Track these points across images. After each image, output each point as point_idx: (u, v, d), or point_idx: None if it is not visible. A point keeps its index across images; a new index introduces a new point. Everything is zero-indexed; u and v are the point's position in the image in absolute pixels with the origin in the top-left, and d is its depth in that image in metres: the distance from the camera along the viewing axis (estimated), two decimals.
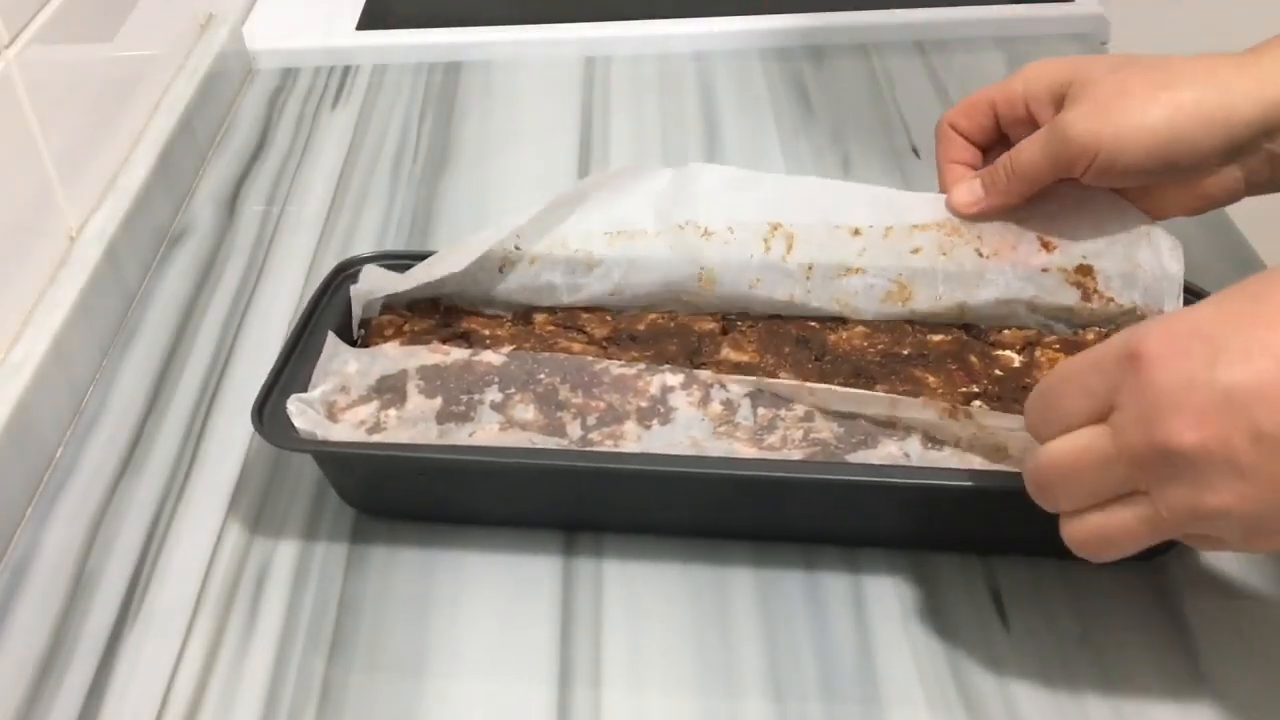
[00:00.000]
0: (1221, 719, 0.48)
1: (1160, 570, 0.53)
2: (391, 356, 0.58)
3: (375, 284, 0.63)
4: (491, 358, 0.58)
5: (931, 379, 0.57)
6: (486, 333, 0.62)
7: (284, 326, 0.70)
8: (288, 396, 0.55)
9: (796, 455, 0.52)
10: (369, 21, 1.03)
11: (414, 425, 0.55)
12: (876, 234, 0.61)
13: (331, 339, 0.58)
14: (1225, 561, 0.54)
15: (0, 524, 0.57)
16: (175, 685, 0.51)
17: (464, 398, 0.56)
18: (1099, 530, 0.43)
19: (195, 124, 0.86)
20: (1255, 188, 0.56)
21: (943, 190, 0.61)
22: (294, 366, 0.57)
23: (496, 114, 0.91)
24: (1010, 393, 0.56)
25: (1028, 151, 0.57)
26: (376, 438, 0.54)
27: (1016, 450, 0.51)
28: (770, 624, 0.52)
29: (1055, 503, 0.44)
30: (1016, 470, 0.48)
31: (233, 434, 0.63)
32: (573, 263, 0.63)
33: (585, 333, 0.62)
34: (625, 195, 0.63)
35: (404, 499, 0.57)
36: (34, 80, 0.66)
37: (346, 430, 0.55)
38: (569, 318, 0.63)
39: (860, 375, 0.58)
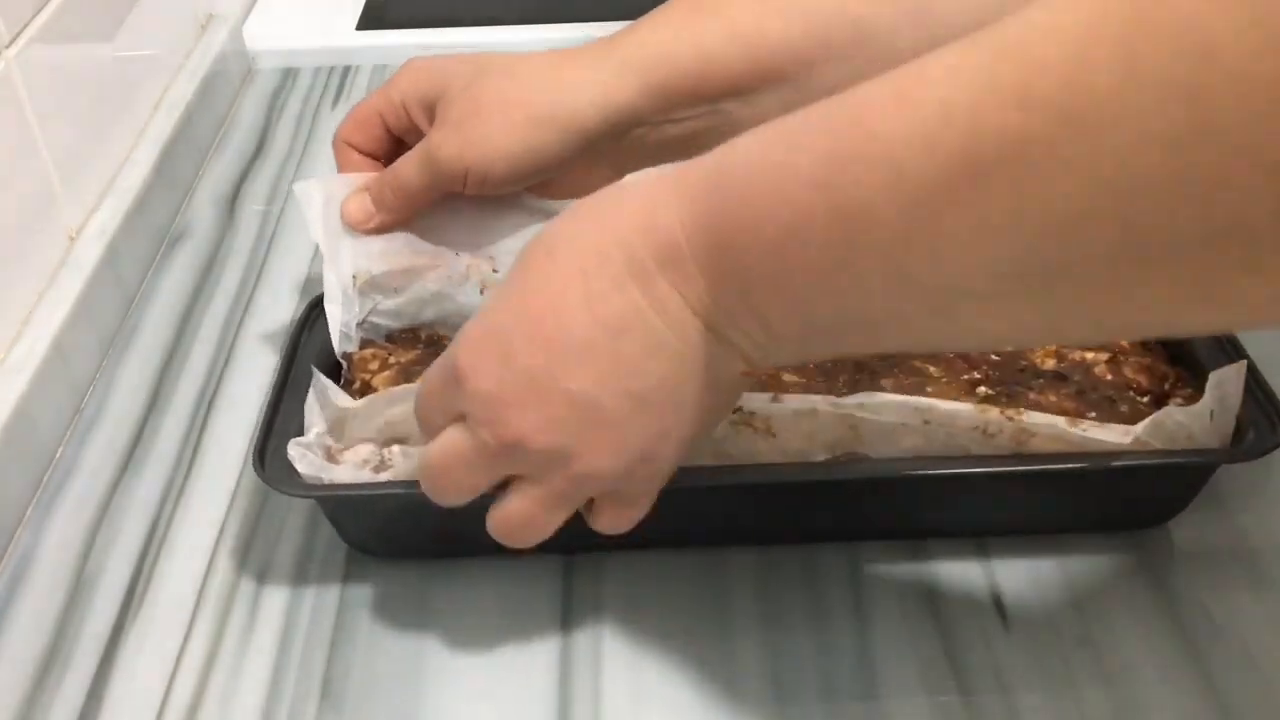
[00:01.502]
0: None
1: (1161, 571, 0.53)
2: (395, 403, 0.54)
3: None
4: None
5: (933, 368, 0.57)
6: None
7: (284, 327, 0.70)
8: (284, 438, 0.52)
9: (820, 454, 0.52)
10: (369, 21, 1.03)
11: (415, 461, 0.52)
12: None
13: (319, 382, 0.54)
14: (1226, 562, 0.54)
15: (0, 524, 0.57)
16: (175, 685, 0.51)
17: None
18: (501, 518, 0.46)
19: (195, 124, 0.86)
20: (630, 170, 0.59)
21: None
22: (286, 405, 0.56)
23: None
24: (1011, 376, 0.57)
25: (406, 172, 0.59)
26: (383, 476, 0.52)
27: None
28: (770, 624, 0.52)
29: (444, 498, 0.46)
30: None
31: (232, 434, 0.63)
32: None
33: None
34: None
35: (413, 538, 0.55)
36: (34, 80, 0.66)
37: (349, 472, 0.52)
38: None
39: (863, 371, 0.58)
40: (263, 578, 0.55)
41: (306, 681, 0.51)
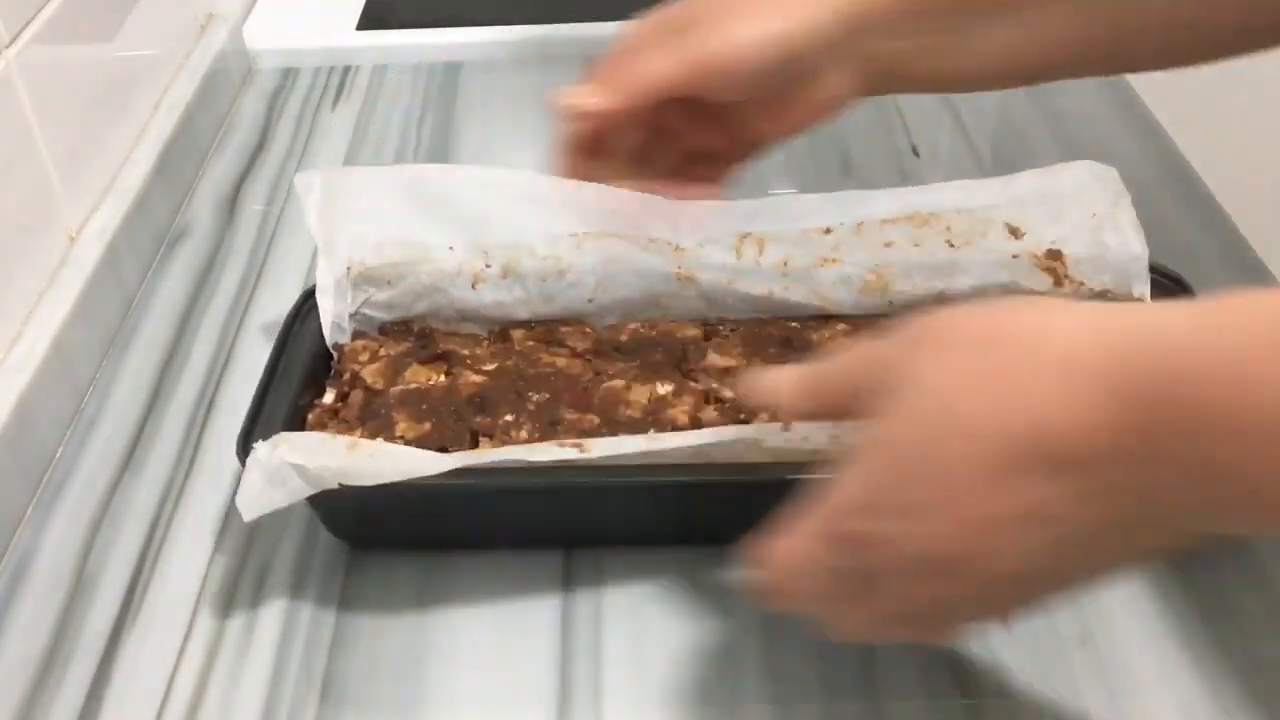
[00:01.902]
0: None
1: (1161, 573, 0.53)
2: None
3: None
4: (475, 378, 0.57)
5: None
6: (465, 352, 0.60)
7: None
8: (270, 432, 0.52)
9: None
10: (369, 21, 1.03)
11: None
12: (847, 229, 0.62)
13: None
14: (1226, 563, 0.54)
15: (0, 524, 0.57)
16: (175, 685, 0.51)
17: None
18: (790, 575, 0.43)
19: (195, 124, 0.86)
20: (855, 93, 0.59)
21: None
22: (274, 394, 0.56)
23: (496, 115, 0.91)
24: None
25: (659, 62, 0.57)
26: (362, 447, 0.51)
27: None
28: (771, 623, 0.52)
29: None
30: None
31: (232, 434, 0.62)
32: (544, 272, 0.62)
33: (567, 346, 0.61)
34: (575, 204, 0.62)
35: (400, 530, 0.55)
36: (34, 80, 0.66)
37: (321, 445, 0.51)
38: (548, 332, 0.62)
39: None
40: (263, 577, 0.55)
41: (306, 681, 0.51)
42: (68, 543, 0.57)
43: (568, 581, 0.54)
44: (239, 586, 0.55)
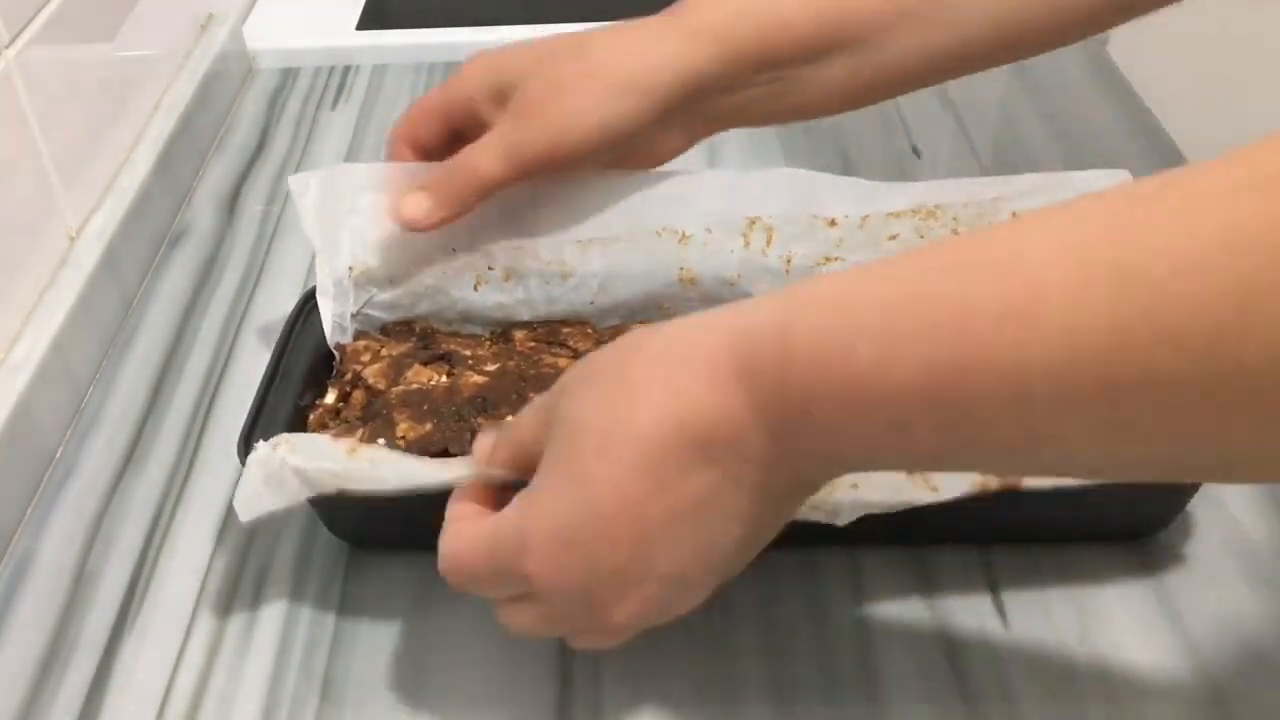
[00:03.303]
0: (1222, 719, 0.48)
1: (1160, 570, 0.53)
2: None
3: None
4: (477, 379, 0.57)
5: None
6: (467, 353, 0.59)
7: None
8: (272, 432, 0.52)
9: None
10: (369, 21, 1.03)
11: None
12: (853, 223, 0.62)
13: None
14: (1226, 564, 0.54)
15: (0, 524, 0.57)
16: (175, 685, 0.51)
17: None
18: (515, 626, 0.45)
19: (195, 124, 0.86)
20: (691, 143, 0.61)
21: (389, 208, 0.60)
22: (275, 395, 0.56)
23: None
24: None
25: (482, 163, 0.58)
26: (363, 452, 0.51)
27: None
28: (771, 625, 0.52)
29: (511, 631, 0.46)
30: None
31: (232, 434, 0.62)
32: (547, 275, 0.62)
33: (569, 347, 0.61)
34: (580, 203, 0.62)
35: (401, 531, 0.55)
36: (34, 80, 0.66)
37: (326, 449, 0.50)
38: (550, 333, 0.62)
39: None
40: (263, 577, 0.55)
41: (306, 681, 0.51)
42: (68, 542, 0.57)
43: None
44: (239, 586, 0.55)
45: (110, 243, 0.71)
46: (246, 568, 0.56)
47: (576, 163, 0.58)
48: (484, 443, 0.47)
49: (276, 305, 0.72)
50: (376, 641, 0.52)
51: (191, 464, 0.62)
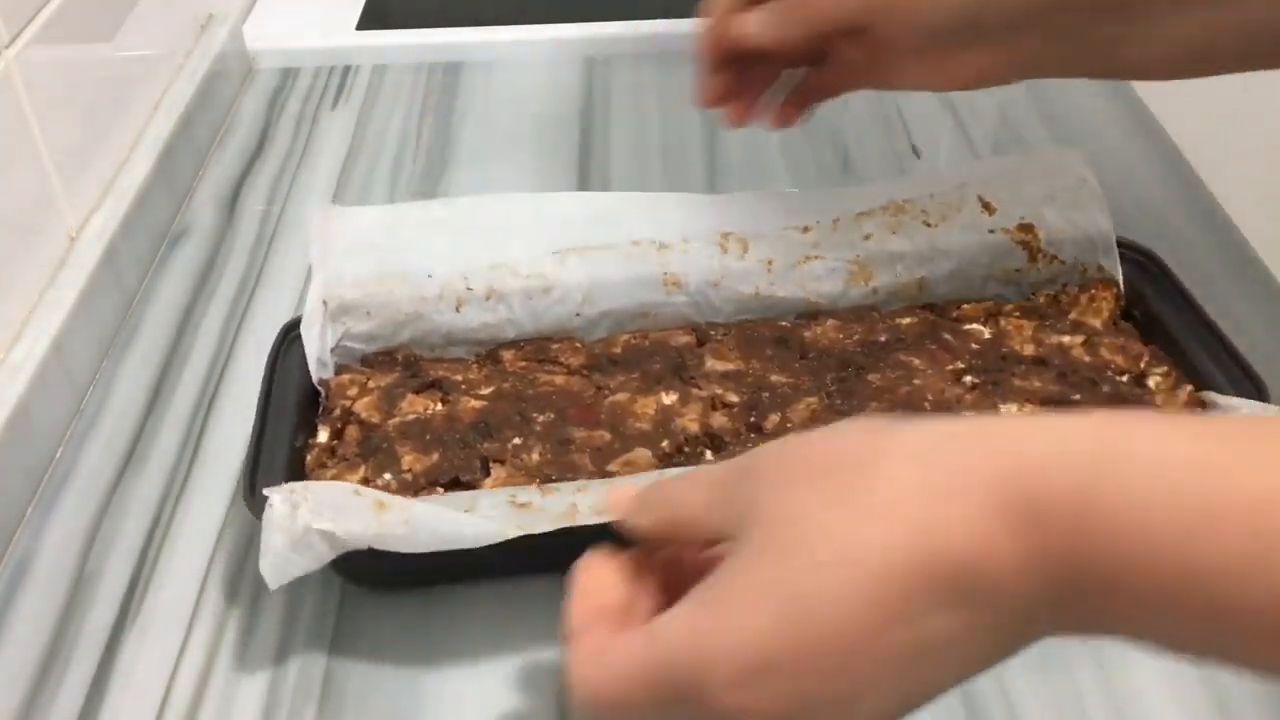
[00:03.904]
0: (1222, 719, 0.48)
1: None
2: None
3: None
4: (474, 403, 0.56)
5: (917, 361, 0.58)
6: (458, 378, 0.58)
7: None
8: (271, 477, 0.51)
9: None
10: (369, 21, 1.03)
11: (414, 491, 0.52)
12: (825, 227, 0.63)
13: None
14: None
15: (0, 524, 0.57)
16: (175, 685, 0.51)
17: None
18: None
19: (195, 124, 0.86)
20: (1009, 75, 0.57)
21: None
22: (270, 435, 0.55)
23: (496, 114, 0.91)
24: (994, 364, 0.58)
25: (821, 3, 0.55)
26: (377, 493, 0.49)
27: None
28: None
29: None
30: None
31: (232, 434, 0.63)
32: (529, 290, 0.61)
33: (560, 363, 0.60)
34: (553, 218, 0.63)
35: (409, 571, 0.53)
36: (34, 80, 0.66)
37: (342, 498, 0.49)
38: (538, 350, 0.61)
39: (849, 366, 0.58)
40: (263, 578, 0.55)
41: (306, 683, 0.51)
42: (68, 542, 0.57)
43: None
44: (239, 586, 0.55)
45: (110, 243, 0.70)
46: (246, 568, 0.56)
47: (914, 30, 0.54)
48: (621, 495, 0.42)
49: (276, 305, 0.72)
50: (376, 645, 0.52)
51: (191, 464, 0.62)
